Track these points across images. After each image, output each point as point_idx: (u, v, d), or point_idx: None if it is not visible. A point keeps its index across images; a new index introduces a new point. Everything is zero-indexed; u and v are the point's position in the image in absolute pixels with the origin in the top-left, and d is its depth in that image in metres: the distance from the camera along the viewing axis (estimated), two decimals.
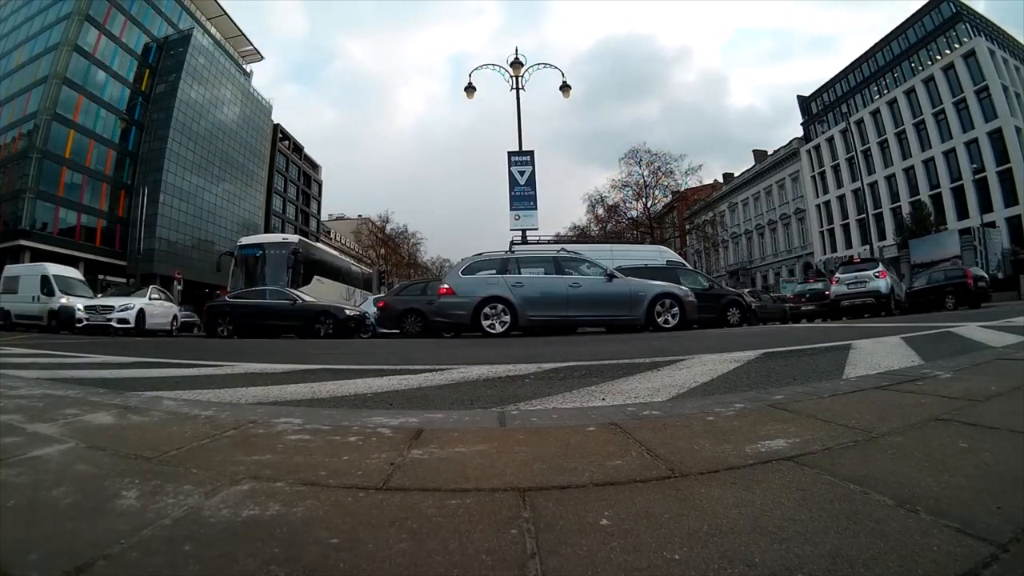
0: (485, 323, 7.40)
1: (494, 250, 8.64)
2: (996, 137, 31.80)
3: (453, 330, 8.16)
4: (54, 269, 16.79)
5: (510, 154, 13.54)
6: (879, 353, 3.26)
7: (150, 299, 13.99)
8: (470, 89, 14.02)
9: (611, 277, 7.77)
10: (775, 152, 49.83)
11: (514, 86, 13.64)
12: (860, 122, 40.31)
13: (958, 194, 33.54)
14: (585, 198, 35.41)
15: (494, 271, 7.88)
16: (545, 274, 7.87)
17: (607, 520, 0.86)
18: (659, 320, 7.51)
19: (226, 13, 46.68)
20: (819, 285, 15.80)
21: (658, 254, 13.81)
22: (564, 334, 7.67)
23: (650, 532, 0.81)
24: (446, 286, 7.98)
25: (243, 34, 49.70)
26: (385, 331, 10.54)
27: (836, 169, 42.42)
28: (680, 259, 14.50)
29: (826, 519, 0.84)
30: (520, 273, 7.84)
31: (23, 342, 7.58)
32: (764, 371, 2.72)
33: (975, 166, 31.37)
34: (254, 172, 48.77)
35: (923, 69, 37.53)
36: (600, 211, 34.52)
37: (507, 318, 7.42)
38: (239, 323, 10.62)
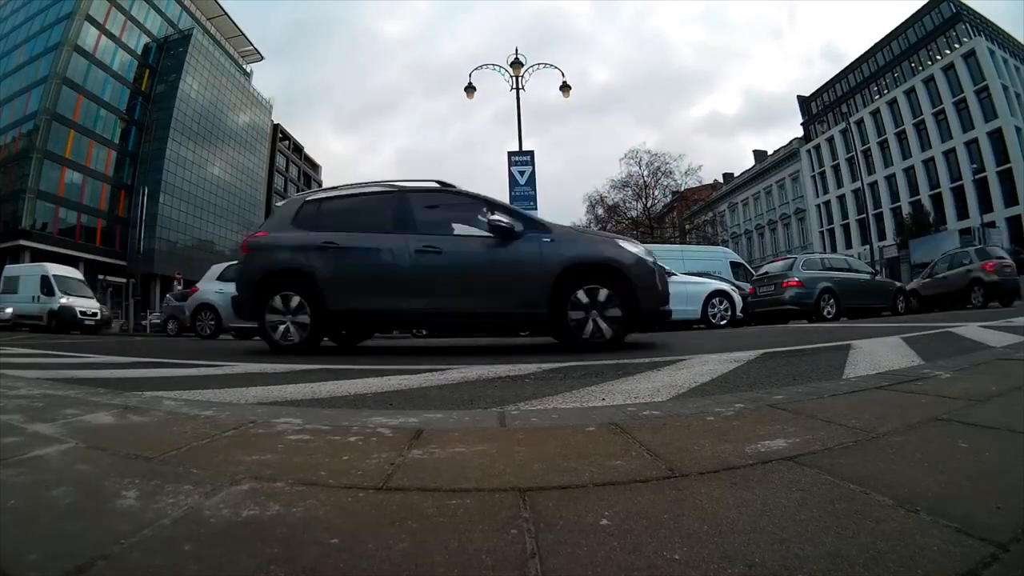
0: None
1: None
2: (996, 137, 31.83)
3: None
4: (54, 269, 16.61)
5: (510, 154, 13.52)
6: (879, 353, 3.26)
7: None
8: (470, 89, 14.06)
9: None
10: (775, 152, 49.87)
11: (514, 86, 13.65)
12: (860, 122, 40.34)
13: (958, 194, 33.58)
14: (585, 198, 35.38)
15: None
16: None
17: (607, 520, 0.86)
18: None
19: (226, 13, 46.72)
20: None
21: (723, 255, 15.12)
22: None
23: (650, 532, 0.81)
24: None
25: (243, 34, 49.74)
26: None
27: (836, 169, 42.46)
28: (740, 259, 15.53)
29: (826, 519, 0.84)
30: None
31: (23, 342, 7.58)
32: (764, 371, 2.72)
33: (975, 166, 31.39)
34: (254, 172, 48.81)
35: (923, 69, 37.56)
36: (600, 211, 34.49)
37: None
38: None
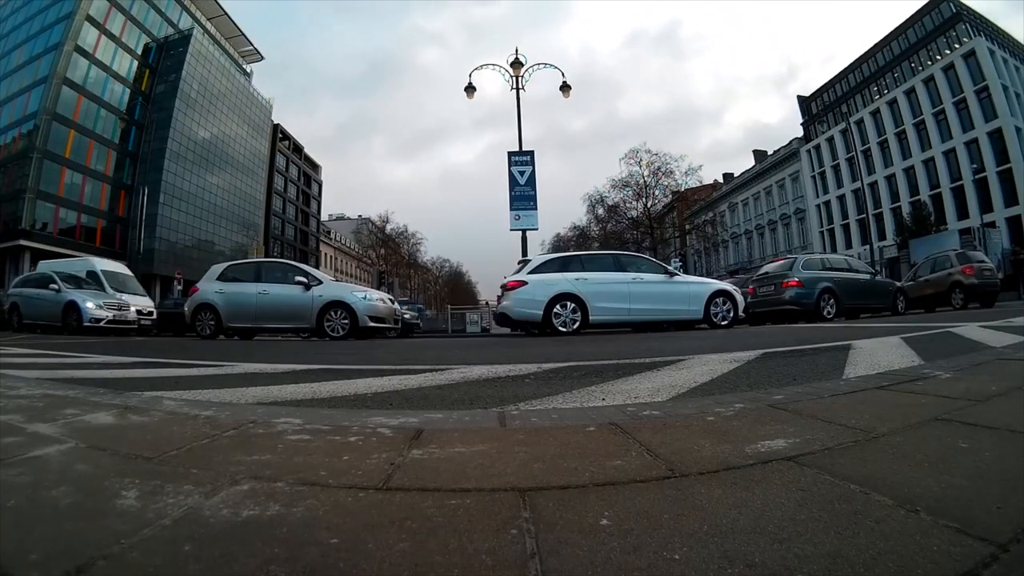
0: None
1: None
2: (996, 137, 31.82)
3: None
4: (102, 264, 14.60)
5: (510, 154, 13.52)
6: (879, 353, 3.26)
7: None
8: (470, 89, 14.07)
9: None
10: (775, 152, 49.84)
11: (514, 86, 13.66)
12: (860, 122, 40.33)
13: (958, 194, 33.57)
14: (585, 198, 35.38)
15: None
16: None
17: (607, 520, 0.86)
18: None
19: (226, 13, 46.73)
20: None
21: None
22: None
23: (650, 532, 0.81)
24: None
25: (243, 34, 49.74)
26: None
27: (836, 169, 42.44)
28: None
29: (826, 519, 0.84)
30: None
31: (24, 342, 7.58)
32: (764, 371, 2.72)
33: (975, 166, 31.39)
34: (254, 172, 48.80)
35: (923, 69, 37.55)
36: (600, 211, 34.51)
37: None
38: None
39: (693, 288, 8.12)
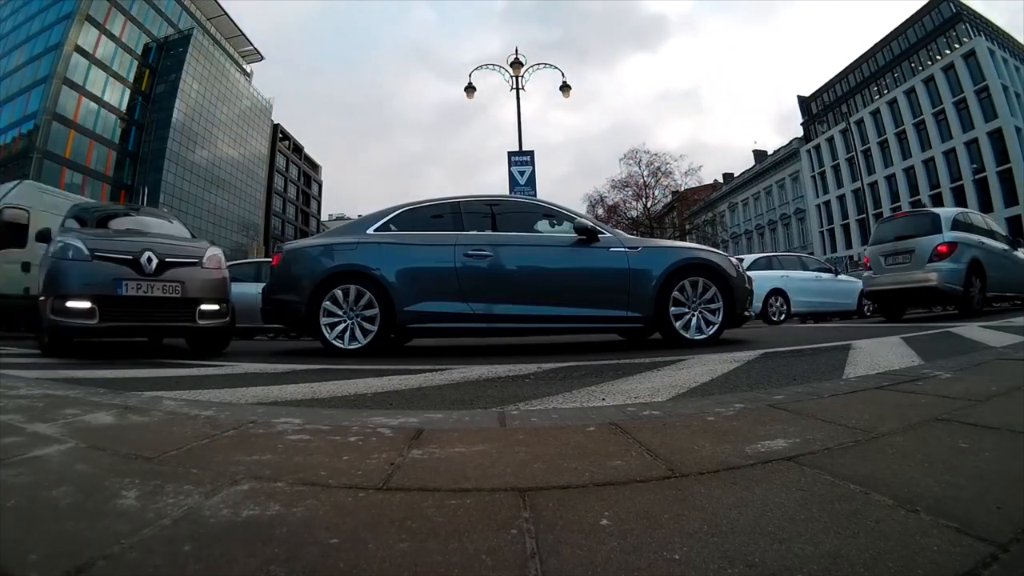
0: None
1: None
2: (996, 137, 31.86)
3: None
4: None
5: (510, 154, 13.51)
6: (879, 353, 3.26)
7: None
8: (470, 89, 14.08)
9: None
10: (775, 152, 49.87)
11: (514, 86, 13.66)
12: (860, 122, 40.35)
13: (958, 194, 33.59)
14: (585, 198, 35.41)
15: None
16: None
17: (607, 520, 0.86)
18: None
19: (226, 13, 46.79)
20: None
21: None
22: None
23: (650, 532, 0.81)
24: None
25: (243, 34, 49.79)
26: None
27: (836, 169, 42.47)
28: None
29: (826, 519, 0.84)
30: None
31: (23, 342, 7.57)
32: (764, 371, 2.72)
33: (975, 166, 31.44)
34: (254, 172, 48.81)
35: (923, 69, 37.58)
36: (600, 211, 34.49)
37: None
38: None
39: (848, 286, 10.28)
